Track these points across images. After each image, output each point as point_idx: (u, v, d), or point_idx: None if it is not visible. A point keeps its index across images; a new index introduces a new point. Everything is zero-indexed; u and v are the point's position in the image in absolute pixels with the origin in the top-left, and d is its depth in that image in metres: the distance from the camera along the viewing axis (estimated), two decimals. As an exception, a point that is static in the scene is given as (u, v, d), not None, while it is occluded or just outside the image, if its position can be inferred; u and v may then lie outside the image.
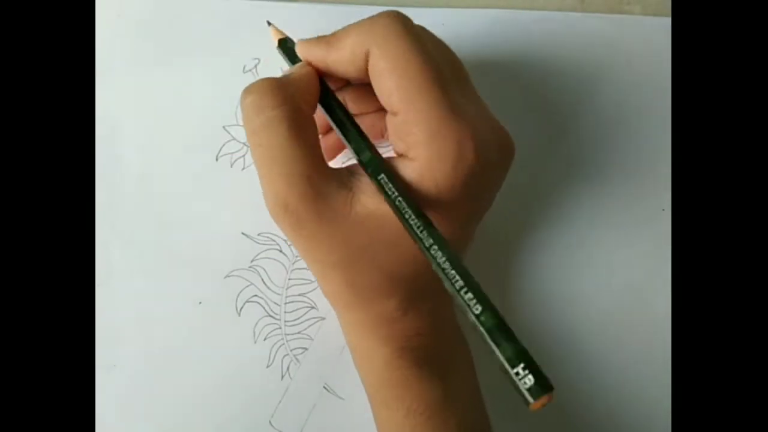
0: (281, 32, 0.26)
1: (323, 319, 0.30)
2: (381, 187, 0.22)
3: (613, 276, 0.30)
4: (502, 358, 0.18)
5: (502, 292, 0.30)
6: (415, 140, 0.22)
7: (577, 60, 0.30)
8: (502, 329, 0.18)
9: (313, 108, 0.24)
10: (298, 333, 0.30)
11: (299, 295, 0.30)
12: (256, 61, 0.31)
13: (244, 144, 0.31)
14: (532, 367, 0.17)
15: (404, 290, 0.24)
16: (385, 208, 0.22)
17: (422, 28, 0.24)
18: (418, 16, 0.30)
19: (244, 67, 0.31)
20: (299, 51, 0.25)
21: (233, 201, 0.31)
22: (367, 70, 0.23)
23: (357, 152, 0.23)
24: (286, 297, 0.31)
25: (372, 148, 0.23)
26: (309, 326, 0.30)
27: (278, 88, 0.23)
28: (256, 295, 0.30)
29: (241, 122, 0.31)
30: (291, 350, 0.30)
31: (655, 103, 0.30)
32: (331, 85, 0.25)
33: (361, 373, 0.26)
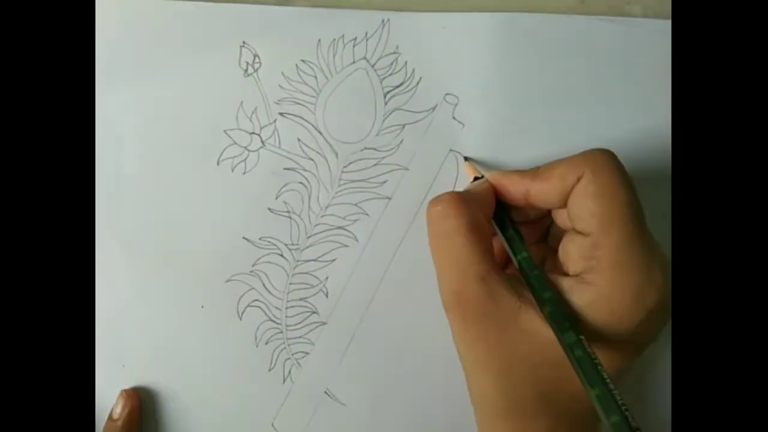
0: (477, 170, 0.29)
1: (324, 324, 0.30)
2: (545, 310, 0.23)
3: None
4: None
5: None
6: (600, 265, 0.23)
7: (577, 62, 0.30)
8: None
9: (489, 218, 0.26)
10: (300, 337, 0.30)
11: (300, 299, 0.31)
12: (257, 65, 0.31)
13: (245, 148, 0.31)
14: None
15: (557, 414, 0.24)
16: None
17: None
18: (419, 21, 0.31)
19: (245, 71, 0.31)
20: (497, 180, 0.26)
21: (234, 205, 0.31)
22: (566, 196, 0.24)
23: (525, 269, 0.25)
24: (288, 301, 0.31)
25: (540, 268, 0.24)
26: (310, 330, 0.30)
27: (461, 200, 0.25)
28: (257, 300, 0.31)
29: (241, 126, 0.31)
30: (292, 354, 0.30)
31: (655, 106, 0.30)
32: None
33: None
